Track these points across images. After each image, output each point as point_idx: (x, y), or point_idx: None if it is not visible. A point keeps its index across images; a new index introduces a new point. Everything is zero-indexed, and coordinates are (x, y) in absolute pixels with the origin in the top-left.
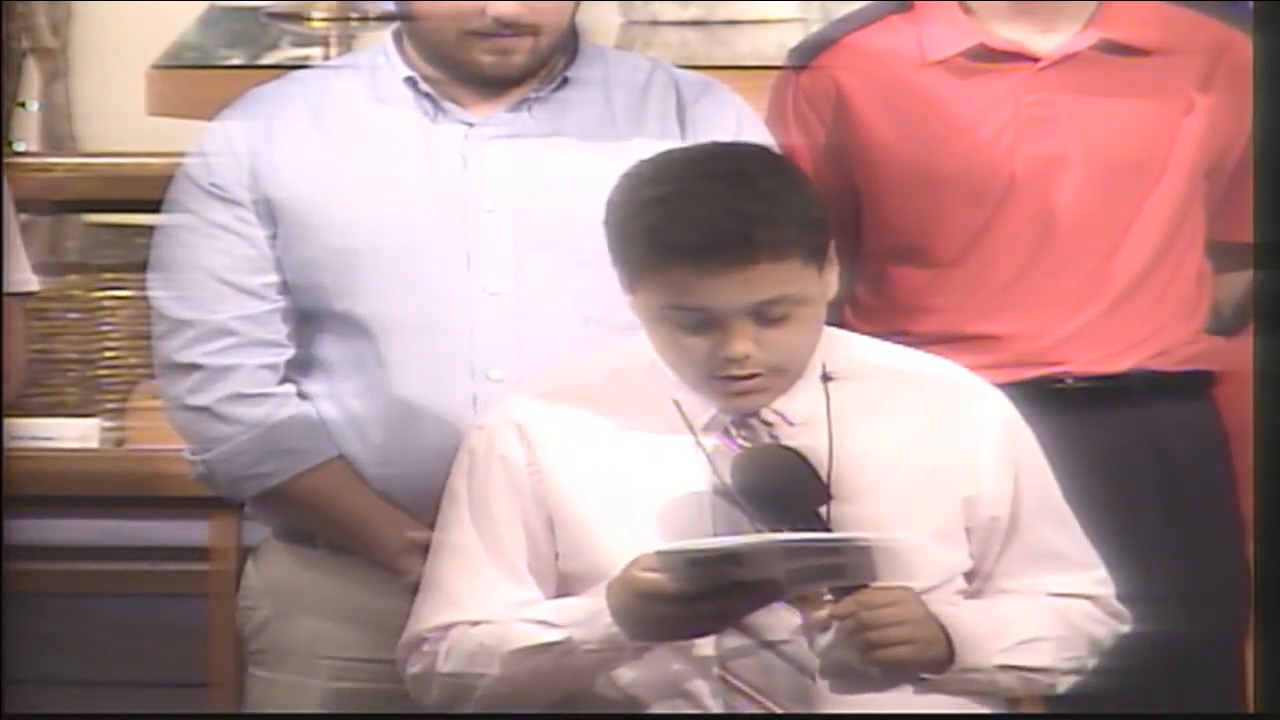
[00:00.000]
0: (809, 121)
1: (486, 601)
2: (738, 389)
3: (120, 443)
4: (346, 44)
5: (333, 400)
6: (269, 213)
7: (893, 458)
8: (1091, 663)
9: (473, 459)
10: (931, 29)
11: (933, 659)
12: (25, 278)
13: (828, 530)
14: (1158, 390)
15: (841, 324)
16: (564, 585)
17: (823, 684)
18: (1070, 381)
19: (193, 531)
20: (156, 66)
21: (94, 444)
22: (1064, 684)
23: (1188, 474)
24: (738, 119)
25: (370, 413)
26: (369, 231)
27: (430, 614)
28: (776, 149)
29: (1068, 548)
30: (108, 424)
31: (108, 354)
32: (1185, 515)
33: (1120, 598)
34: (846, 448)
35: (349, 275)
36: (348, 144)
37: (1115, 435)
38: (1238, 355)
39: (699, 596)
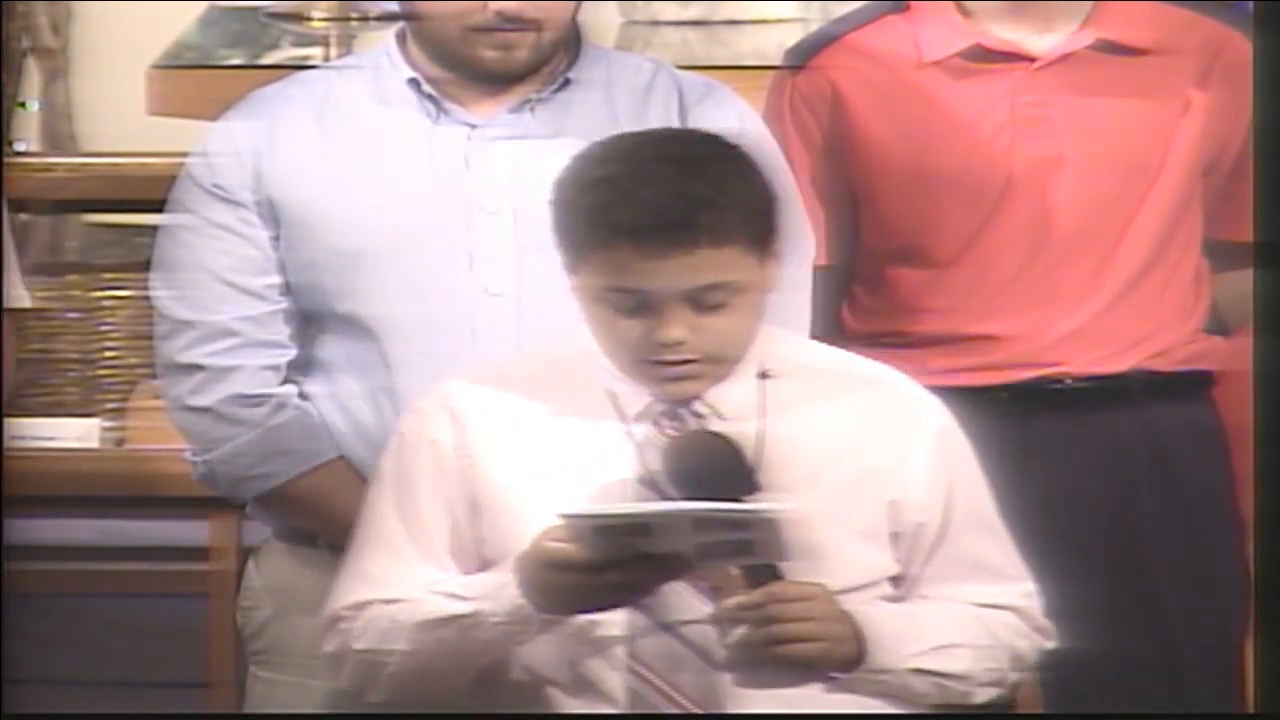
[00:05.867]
0: (805, 122)
1: (404, 582)
2: (671, 374)
3: (120, 443)
4: (347, 44)
5: (334, 401)
6: (272, 214)
7: (823, 456)
8: (1013, 676)
9: (402, 442)
10: (928, 29)
11: (841, 657)
12: (18, 294)
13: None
14: (1156, 390)
15: (839, 324)
16: (485, 569)
17: (728, 675)
18: (1069, 382)
19: (193, 531)
20: (156, 66)
21: (94, 444)
22: (982, 695)
23: (1187, 474)
24: (740, 120)
25: (372, 414)
26: (371, 233)
27: (348, 593)
28: (731, 138)
29: (996, 559)
30: (108, 424)
31: (108, 354)
32: (1185, 515)
33: (1050, 613)
34: (777, 442)
35: (351, 276)
36: (351, 145)
37: (1114, 435)
38: (1236, 355)
39: (606, 566)
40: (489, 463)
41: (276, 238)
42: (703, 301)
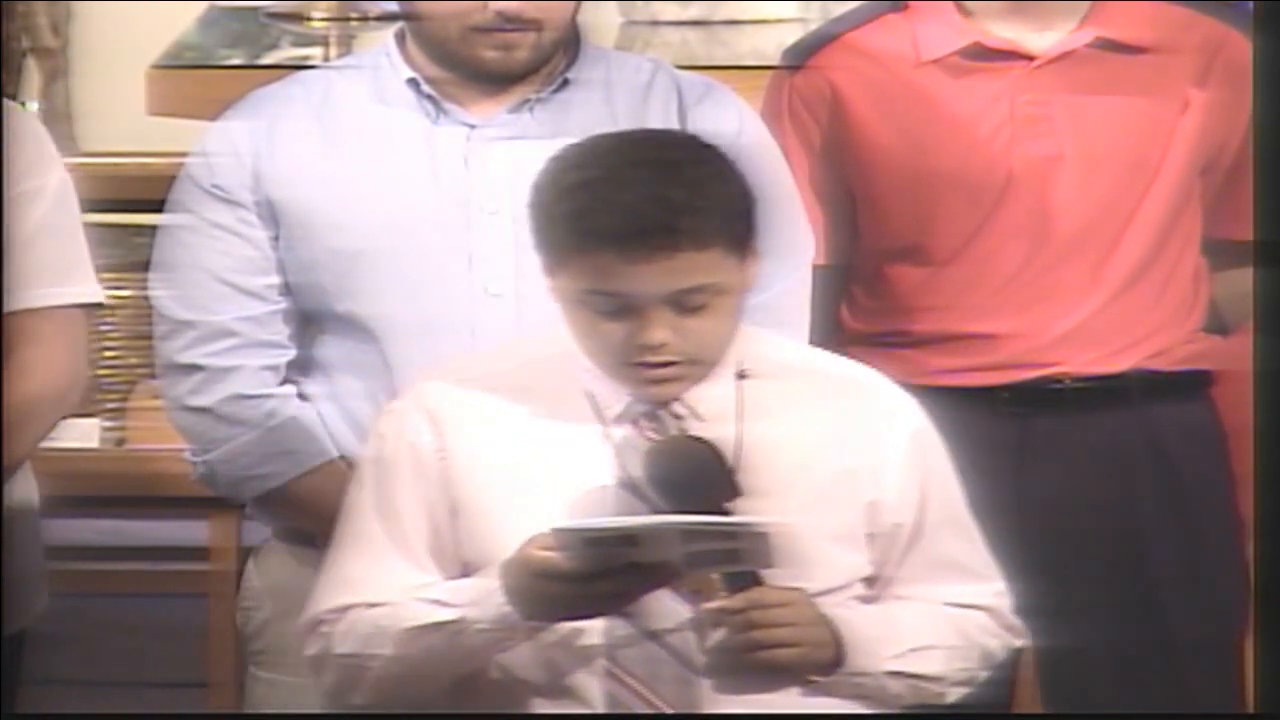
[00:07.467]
0: (804, 122)
1: (385, 585)
2: (652, 376)
3: (120, 443)
4: (346, 44)
5: (334, 401)
6: (271, 214)
7: (800, 458)
8: (982, 675)
9: (381, 444)
10: (927, 28)
11: (820, 661)
12: (91, 289)
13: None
14: (1156, 390)
15: (839, 324)
16: (465, 571)
17: (707, 681)
18: (1068, 382)
19: (193, 531)
20: (156, 66)
21: (94, 444)
22: (954, 694)
23: (1186, 474)
24: (740, 120)
25: (372, 414)
26: (371, 233)
27: (329, 596)
28: (706, 139)
29: (968, 559)
30: (108, 424)
31: (108, 354)
32: (1184, 515)
33: (1019, 610)
34: (755, 445)
35: (350, 276)
36: (350, 145)
37: (1114, 435)
38: (1236, 354)
39: (594, 576)
40: (468, 465)
41: (276, 238)
42: (685, 304)
